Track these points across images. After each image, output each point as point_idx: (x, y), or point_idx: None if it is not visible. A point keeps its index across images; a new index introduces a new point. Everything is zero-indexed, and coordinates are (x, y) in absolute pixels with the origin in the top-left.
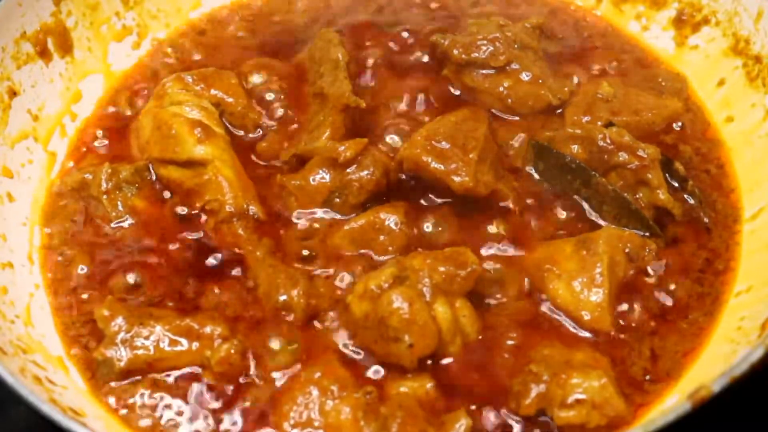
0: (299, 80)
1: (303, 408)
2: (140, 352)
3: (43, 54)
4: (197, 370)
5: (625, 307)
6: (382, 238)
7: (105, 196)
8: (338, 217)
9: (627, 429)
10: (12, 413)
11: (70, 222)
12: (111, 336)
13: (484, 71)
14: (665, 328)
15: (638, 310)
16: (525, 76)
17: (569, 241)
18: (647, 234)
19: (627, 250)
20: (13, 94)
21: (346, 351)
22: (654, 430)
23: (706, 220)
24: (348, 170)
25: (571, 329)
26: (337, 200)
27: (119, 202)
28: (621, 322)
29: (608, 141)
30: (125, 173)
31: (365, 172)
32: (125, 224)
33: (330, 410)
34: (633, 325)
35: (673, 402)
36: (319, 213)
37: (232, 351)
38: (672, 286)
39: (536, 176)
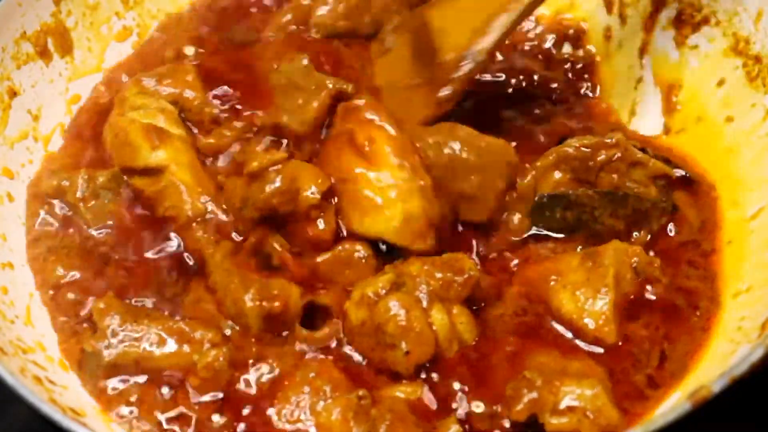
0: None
1: (294, 407)
2: (129, 348)
3: (43, 54)
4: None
5: (630, 319)
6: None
7: (82, 204)
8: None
9: (627, 429)
10: (12, 413)
11: (51, 226)
12: (103, 329)
13: None
14: (674, 332)
15: (643, 322)
16: None
17: (576, 254)
18: (670, 209)
19: (634, 265)
20: (13, 94)
21: (343, 355)
22: (654, 430)
23: (696, 179)
24: (254, 183)
25: (571, 341)
26: (245, 211)
27: (97, 210)
28: (627, 333)
29: (580, 150)
30: (102, 179)
31: (268, 184)
32: (106, 230)
33: (321, 410)
34: (639, 335)
35: (673, 402)
36: None
37: (221, 358)
38: (673, 291)
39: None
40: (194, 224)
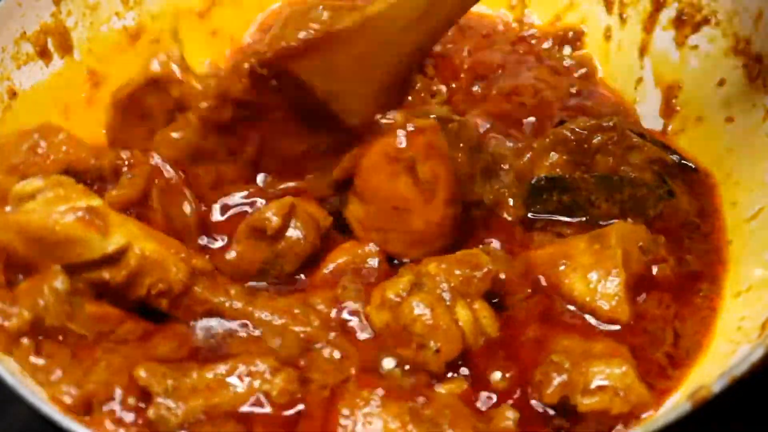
0: None
1: (349, 420)
2: (193, 402)
3: (43, 54)
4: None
5: (642, 297)
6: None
7: (71, 324)
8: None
9: (627, 430)
10: (12, 413)
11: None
12: (158, 393)
13: None
14: (683, 311)
15: (654, 300)
16: None
17: (582, 237)
18: (666, 196)
19: (640, 244)
20: (13, 94)
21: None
22: (654, 430)
23: (692, 165)
24: (278, 239)
25: (588, 322)
26: (273, 271)
27: (83, 320)
28: (639, 312)
29: (576, 132)
30: (61, 286)
31: (297, 235)
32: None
33: (375, 420)
34: (651, 313)
35: (673, 402)
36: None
37: (289, 380)
38: (677, 269)
39: (542, 216)
40: (195, 288)
